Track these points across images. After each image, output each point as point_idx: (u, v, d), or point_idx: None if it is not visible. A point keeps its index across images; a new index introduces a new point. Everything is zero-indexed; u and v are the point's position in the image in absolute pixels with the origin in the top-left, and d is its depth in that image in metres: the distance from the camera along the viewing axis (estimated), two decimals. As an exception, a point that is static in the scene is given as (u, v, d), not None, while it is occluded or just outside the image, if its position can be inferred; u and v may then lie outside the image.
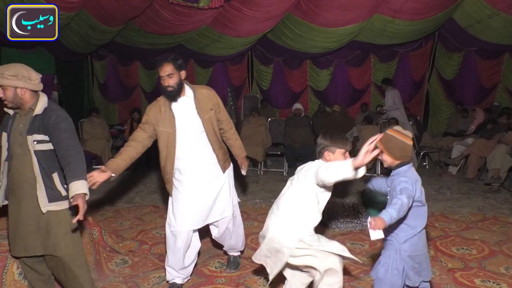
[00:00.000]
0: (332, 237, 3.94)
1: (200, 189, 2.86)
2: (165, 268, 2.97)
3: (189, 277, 3.07)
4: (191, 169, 2.86)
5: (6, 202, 2.42)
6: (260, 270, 3.26)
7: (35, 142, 2.28)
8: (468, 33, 7.68)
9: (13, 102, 2.29)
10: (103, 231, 3.51)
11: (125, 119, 8.98)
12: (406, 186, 2.04)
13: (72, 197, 2.19)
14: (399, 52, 9.45)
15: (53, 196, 2.33)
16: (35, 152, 2.29)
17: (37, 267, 2.54)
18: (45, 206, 2.31)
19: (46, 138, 2.31)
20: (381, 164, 6.40)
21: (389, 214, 1.92)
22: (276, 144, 7.53)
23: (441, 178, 6.37)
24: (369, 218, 1.91)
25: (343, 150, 2.33)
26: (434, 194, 5.43)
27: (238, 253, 3.38)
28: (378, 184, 2.41)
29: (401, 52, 9.43)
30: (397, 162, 2.17)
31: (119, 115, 10.38)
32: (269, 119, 7.71)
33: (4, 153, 2.36)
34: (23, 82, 2.25)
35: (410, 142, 2.15)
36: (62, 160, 2.27)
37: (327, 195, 2.41)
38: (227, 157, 3.03)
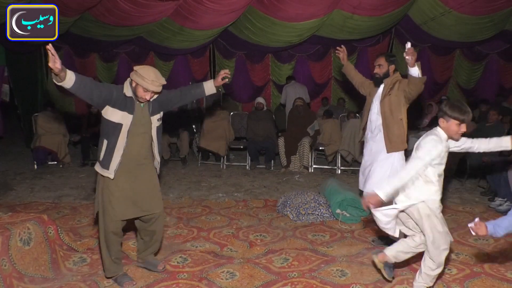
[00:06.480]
0: (294, 229, 4.02)
1: None
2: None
3: None
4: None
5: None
6: (224, 264, 3.27)
7: (158, 120, 2.84)
8: (422, 29, 8.00)
9: None
10: (59, 229, 3.39)
11: (82, 113, 8.64)
12: None
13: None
14: (358, 47, 9.69)
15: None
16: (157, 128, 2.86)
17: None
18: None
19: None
20: (342, 158, 6.61)
21: None
22: (238, 138, 7.53)
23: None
24: None
25: (457, 121, 2.35)
26: (391, 185, 5.63)
27: None
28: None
29: (360, 47, 9.67)
30: None
31: (75, 109, 9.98)
32: (232, 113, 7.70)
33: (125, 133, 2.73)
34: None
35: None
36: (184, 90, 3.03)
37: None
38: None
